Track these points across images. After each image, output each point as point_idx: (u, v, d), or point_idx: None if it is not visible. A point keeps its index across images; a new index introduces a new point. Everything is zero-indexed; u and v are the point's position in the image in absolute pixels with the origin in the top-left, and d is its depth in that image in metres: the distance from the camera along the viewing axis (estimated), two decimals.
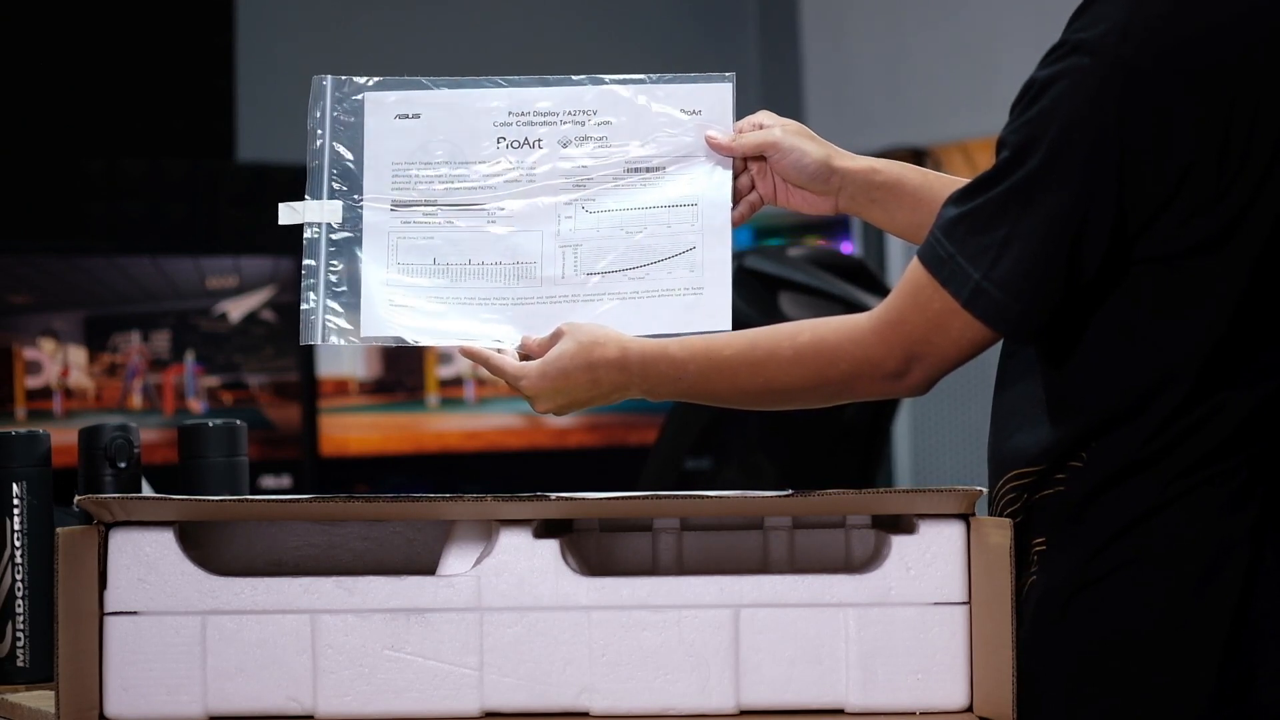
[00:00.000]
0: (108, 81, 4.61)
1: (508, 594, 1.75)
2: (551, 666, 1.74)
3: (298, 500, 1.79)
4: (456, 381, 4.59)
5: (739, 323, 3.80)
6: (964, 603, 1.75)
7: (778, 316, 3.69)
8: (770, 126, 1.98)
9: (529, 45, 5.15)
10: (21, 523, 2.03)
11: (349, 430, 4.50)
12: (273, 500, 1.83)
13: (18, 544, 2.03)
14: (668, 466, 3.75)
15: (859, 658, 1.74)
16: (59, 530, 1.77)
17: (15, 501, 2.03)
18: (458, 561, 1.78)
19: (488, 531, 1.78)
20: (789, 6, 5.41)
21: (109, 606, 1.77)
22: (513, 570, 1.75)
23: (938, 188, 1.96)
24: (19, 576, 2.03)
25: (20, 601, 2.03)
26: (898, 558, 1.74)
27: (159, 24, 4.68)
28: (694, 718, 1.75)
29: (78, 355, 4.25)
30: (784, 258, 3.82)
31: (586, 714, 1.75)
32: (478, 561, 1.76)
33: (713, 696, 1.74)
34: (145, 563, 1.77)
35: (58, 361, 4.22)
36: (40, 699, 1.96)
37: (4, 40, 4.52)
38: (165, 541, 1.77)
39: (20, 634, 2.03)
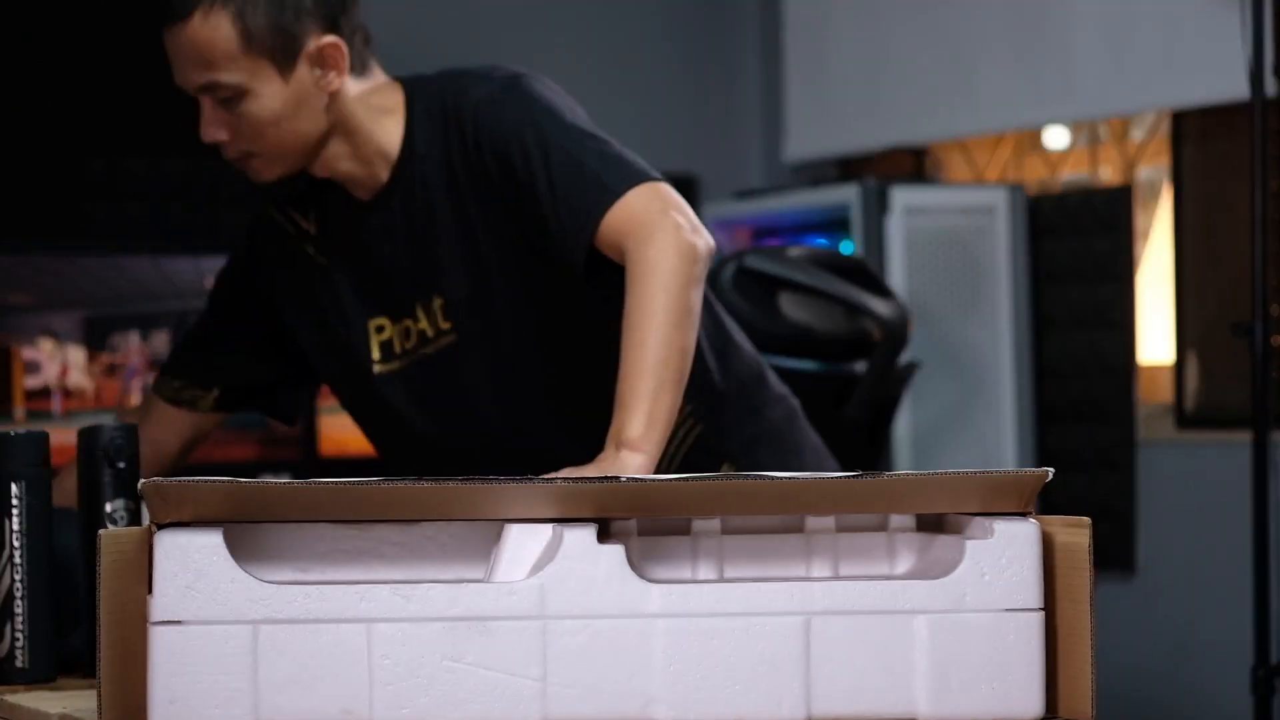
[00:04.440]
0: (108, 81, 4.61)
1: (572, 601, 1.69)
2: (617, 676, 1.69)
3: (381, 485, 1.72)
4: None
5: (740, 322, 3.83)
6: (1039, 609, 1.72)
7: (778, 316, 3.69)
8: None
9: (526, 43, 5.15)
10: (21, 523, 2.03)
11: (349, 430, 4.48)
12: (350, 483, 1.73)
13: (17, 544, 2.03)
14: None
15: (931, 666, 1.71)
16: (101, 532, 1.73)
17: (14, 501, 2.03)
18: (512, 568, 1.73)
19: (541, 536, 1.73)
20: (773, 7, 5.41)
21: (155, 616, 1.68)
22: (577, 576, 1.70)
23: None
24: (18, 577, 2.03)
25: (19, 602, 2.03)
26: (972, 563, 1.71)
27: (159, 24, 4.68)
28: None
29: (77, 355, 4.24)
30: (784, 258, 3.82)
31: None
32: (540, 567, 1.71)
33: (783, 706, 1.70)
34: (193, 569, 1.68)
35: (57, 361, 4.22)
36: (40, 699, 1.95)
37: (4, 40, 4.51)
38: (214, 546, 1.69)
39: (19, 634, 2.03)
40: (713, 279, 3.68)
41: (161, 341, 4.31)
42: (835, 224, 4.71)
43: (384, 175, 2.37)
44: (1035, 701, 1.71)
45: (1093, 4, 4.62)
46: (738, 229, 4.99)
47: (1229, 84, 3.99)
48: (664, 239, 2.14)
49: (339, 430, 4.48)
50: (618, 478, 1.71)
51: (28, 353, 4.20)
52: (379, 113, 2.36)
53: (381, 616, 1.69)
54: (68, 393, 4.23)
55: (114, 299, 4.28)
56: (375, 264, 2.41)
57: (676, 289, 2.12)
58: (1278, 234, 4.00)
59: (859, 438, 3.80)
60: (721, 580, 1.78)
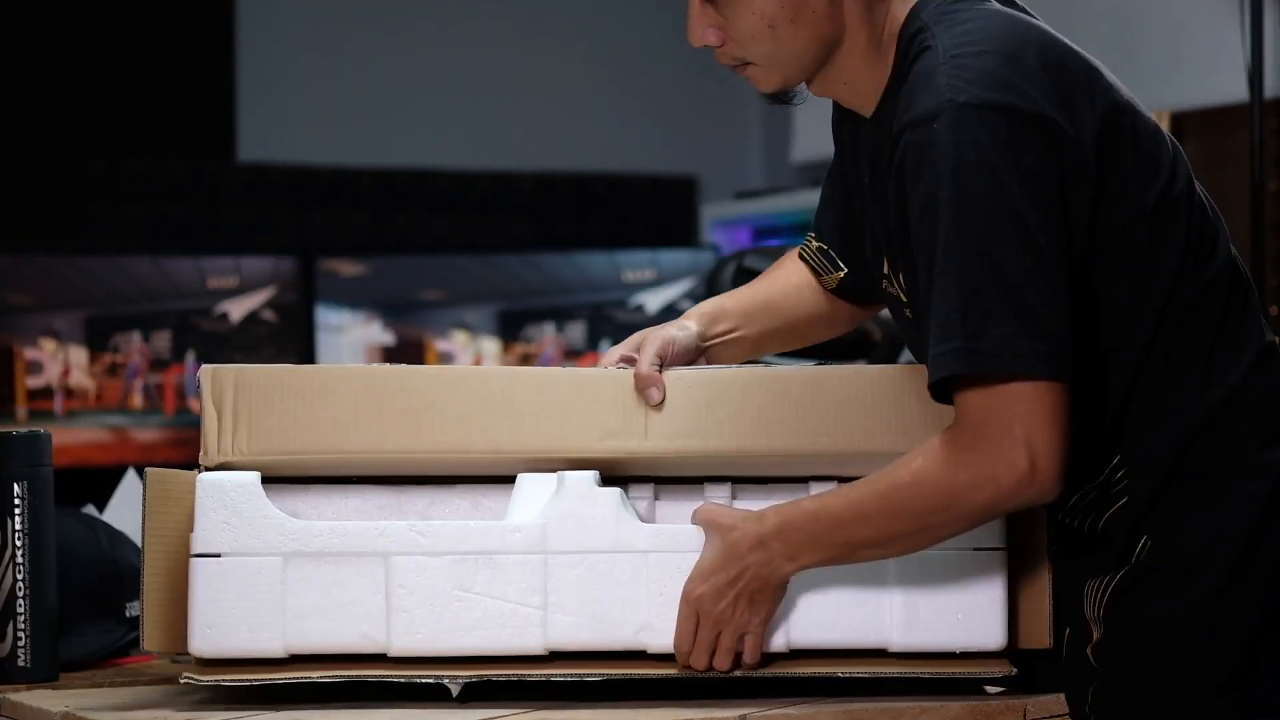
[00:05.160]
0: (108, 81, 4.61)
1: (571, 538, 1.83)
2: (611, 606, 1.82)
3: None
4: None
5: None
6: (1001, 548, 1.85)
7: None
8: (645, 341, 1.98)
9: (526, 43, 5.15)
10: (22, 522, 2.04)
11: None
12: None
13: (18, 544, 2.04)
14: None
15: (902, 600, 1.83)
16: (148, 470, 1.87)
17: (16, 501, 2.04)
18: (525, 511, 1.84)
19: (548, 485, 1.85)
20: None
21: (195, 548, 1.83)
22: (577, 516, 1.83)
23: (774, 291, 2.14)
24: (20, 576, 2.04)
25: (21, 601, 2.04)
26: None
27: (159, 24, 4.68)
28: None
29: (78, 355, 4.25)
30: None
31: (644, 651, 1.83)
32: (544, 508, 1.83)
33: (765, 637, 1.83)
34: (230, 507, 1.82)
35: (58, 361, 4.23)
36: (42, 698, 1.96)
37: (4, 40, 4.52)
38: (250, 485, 1.83)
39: (21, 634, 2.04)
40: (713, 279, 3.68)
41: (162, 341, 4.31)
42: None
43: (869, 115, 1.96)
44: (998, 634, 1.84)
45: (1094, 5, 4.62)
46: (738, 229, 4.99)
47: (1229, 84, 3.99)
48: (980, 472, 1.73)
49: None
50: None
51: (29, 353, 4.20)
52: (875, 45, 1.92)
53: (398, 550, 1.82)
54: (69, 393, 4.24)
55: (114, 299, 4.28)
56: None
57: (941, 519, 1.76)
58: (1278, 234, 4.01)
59: None
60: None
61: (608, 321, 4.68)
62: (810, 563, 1.81)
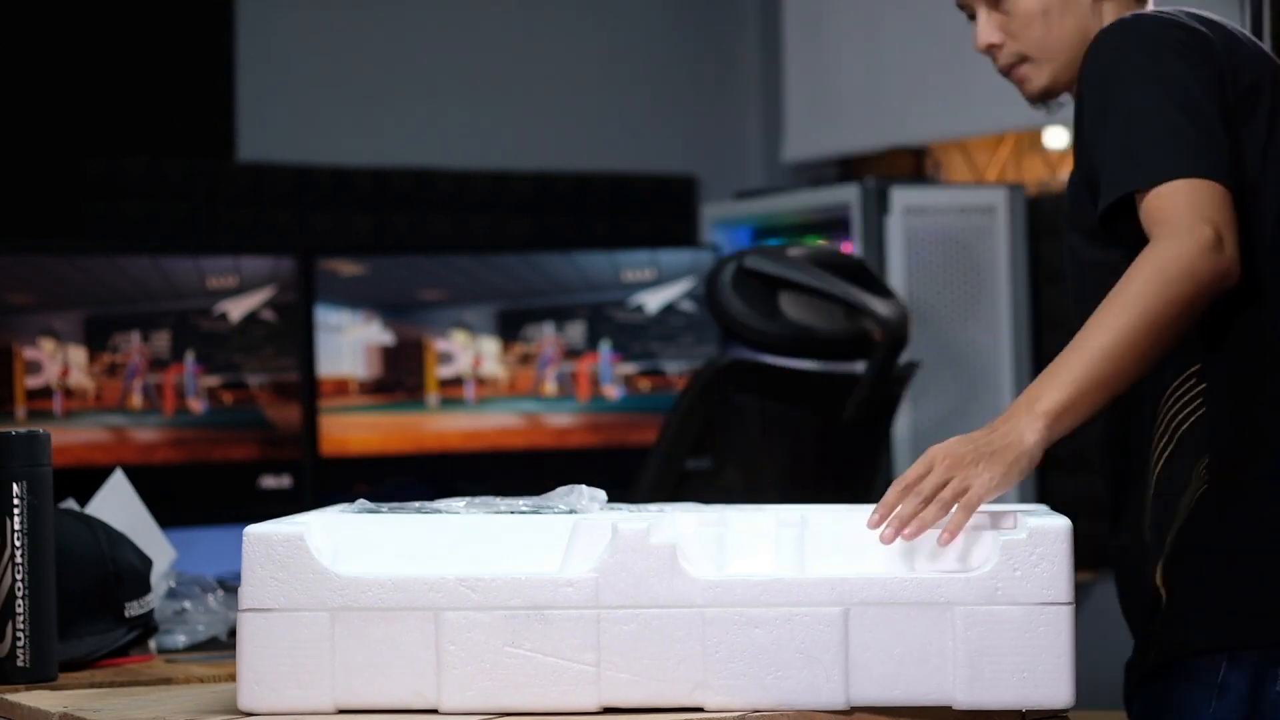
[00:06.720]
0: (108, 81, 4.61)
1: (624, 593, 1.80)
2: (666, 663, 1.79)
3: None
4: (456, 381, 4.60)
5: (738, 323, 3.77)
6: (1069, 603, 1.81)
7: (778, 316, 3.69)
8: None
9: (526, 43, 5.15)
10: (21, 522, 2.04)
11: (349, 430, 4.50)
12: None
13: (18, 544, 2.04)
14: (668, 466, 3.75)
15: (966, 656, 1.80)
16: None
17: (15, 501, 2.04)
18: (579, 564, 1.82)
19: (607, 535, 1.83)
20: (773, 6, 5.40)
21: (243, 603, 1.81)
22: (630, 571, 1.80)
23: None
24: (19, 576, 2.04)
25: (20, 601, 2.04)
26: (1005, 559, 1.81)
27: (159, 24, 4.68)
28: (804, 713, 1.80)
29: (78, 355, 4.24)
30: (784, 258, 3.82)
31: (700, 709, 1.80)
32: (597, 562, 1.81)
33: (822, 693, 1.80)
34: (276, 561, 1.81)
35: (58, 361, 4.22)
36: (41, 698, 1.96)
37: (4, 40, 4.52)
38: (296, 540, 1.81)
39: (20, 634, 2.04)
40: (713, 279, 3.68)
41: (162, 341, 4.31)
42: (835, 224, 4.71)
43: None
44: (1065, 691, 1.80)
45: None
46: (738, 229, 4.99)
47: None
48: (1174, 245, 2.01)
49: (339, 430, 4.48)
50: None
51: (29, 353, 4.20)
52: None
53: (449, 606, 1.80)
54: (69, 393, 4.23)
55: (114, 299, 4.28)
56: None
57: (1159, 292, 1.99)
58: None
59: (859, 438, 3.80)
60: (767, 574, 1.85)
61: (607, 321, 4.68)
62: (1053, 405, 2.03)
